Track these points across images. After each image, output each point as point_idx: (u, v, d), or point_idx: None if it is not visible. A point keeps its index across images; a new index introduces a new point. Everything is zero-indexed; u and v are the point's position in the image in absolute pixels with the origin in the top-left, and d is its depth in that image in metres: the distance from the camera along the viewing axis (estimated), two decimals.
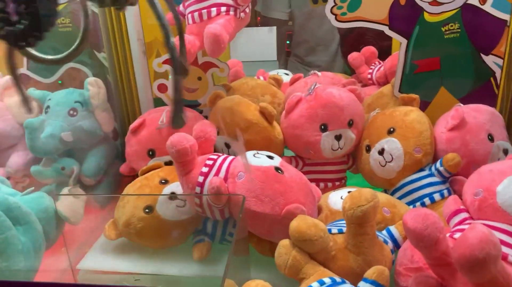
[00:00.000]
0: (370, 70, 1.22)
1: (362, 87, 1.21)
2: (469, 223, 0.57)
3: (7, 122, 0.94)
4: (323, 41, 1.71)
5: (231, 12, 0.82)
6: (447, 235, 0.53)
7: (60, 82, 1.03)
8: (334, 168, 0.89)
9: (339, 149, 0.84)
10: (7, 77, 0.95)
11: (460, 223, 0.58)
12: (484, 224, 0.52)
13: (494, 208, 0.54)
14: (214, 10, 0.80)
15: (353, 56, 1.24)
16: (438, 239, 0.49)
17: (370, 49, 1.26)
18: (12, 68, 0.48)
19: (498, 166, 0.59)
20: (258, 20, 1.81)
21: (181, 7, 0.87)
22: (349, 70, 1.57)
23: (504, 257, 0.48)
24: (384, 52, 1.26)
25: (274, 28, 1.53)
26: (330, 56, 1.74)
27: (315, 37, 1.71)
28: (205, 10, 0.80)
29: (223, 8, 0.81)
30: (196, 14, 0.82)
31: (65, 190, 0.85)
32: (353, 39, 1.65)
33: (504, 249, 0.50)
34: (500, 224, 0.53)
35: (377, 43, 1.35)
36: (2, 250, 0.64)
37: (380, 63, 1.23)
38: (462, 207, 0.59)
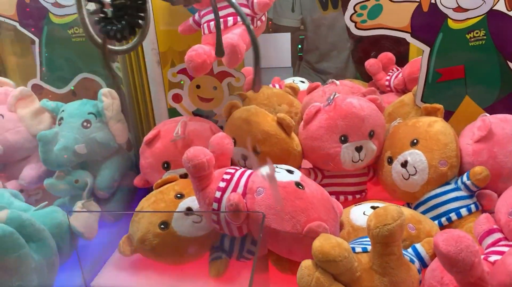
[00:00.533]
0: (388, 77, 1.20)
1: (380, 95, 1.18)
2: (504, 245, 0.54)
3: (20, 135, 0.93)
4: (334, 47, 1.69)
5: None
6: (482, 257, 0.50)
7: (72, 88, 1.02)
8: (355, 180, 0.86)
9: (360, 161, 0.82)
10: (20, 88, 0.94)
11: (494, 244, 0.55)
12: None
13: None
14: (230, 19, 0.78)
15: (370, 63, 1.22)
16: (473, 264, 0.46)
17: (387, 56, 1.23)
18: (106, 57, 0.63)
19: None
20: (270, 25, 1.79)
21: (196, 17, 0.85)
22: (361, 77, 1.54)
23: None
24: (398, 59, 1.23)
25: (289, 34, 1.51)
26: (341, 63, 1.71)
27: (326, 43, 1.69)
28: (221, 20, 0.77)
29: (240, 18, 0.79)
30: (212, 23, 0.80)
31: (78, 204, 0.83)
32: (365, 46, 1.62)
33: None
34: None
35: (391, 49, 1.33)
36: (16, 269, 0.63)
37: (398, 70, 1.20)
38: (495, 226, 0.56)
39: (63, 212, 0.76)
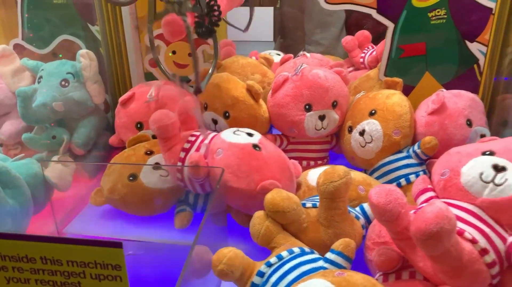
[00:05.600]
0: (363, 54, 1.23)
1: (354, 71, 1.22)
2: None
3: (1, 91, 0.96)
4: (327, 22, 1.70)
5: None
6: (412, 211, 0.55)
7: (60, 56, 1.05)
8: (317, 147, 0.91)
9: (322, 129, 0.87)
10: (2, 46, 0.96)
11: (426, 201, 0.60)
12: (446, 202, 0.54)
13: (457, 188, 0.56)
14: None
15: (346, 40, 1.25)
16: (399, 214, 0.51)
17: (363, 34, 1.26)
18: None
19: (467, 148, 0.61)
20: None
21: None
22: None
23: (461, 233, 0.51)
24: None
25: (271, 8, 1.53)
26: (333, 39, 1.72)
27: (318, 17, 1.70)
28: None
29: None
30: None
31: (54, 158, 0.87)
32: (358, 21, 1.63)
33: (463, 226, 0.52)
34: (461, 202, 0.56)
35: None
36: None
37: (373, 48, 1.23)
38: (429, 186, 0.61)
39: (38, 163, 0.79)
